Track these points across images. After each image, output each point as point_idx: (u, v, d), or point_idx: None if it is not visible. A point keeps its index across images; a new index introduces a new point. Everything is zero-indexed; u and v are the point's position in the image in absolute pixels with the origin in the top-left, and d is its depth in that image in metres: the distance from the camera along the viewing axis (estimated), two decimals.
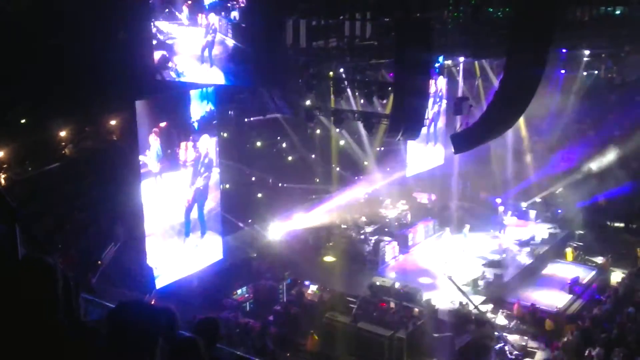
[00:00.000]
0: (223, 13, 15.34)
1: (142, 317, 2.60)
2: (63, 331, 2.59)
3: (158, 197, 15.89)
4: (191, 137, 16.63)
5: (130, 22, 15.90)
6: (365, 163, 27.87)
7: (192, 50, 16.25)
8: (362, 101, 20.64)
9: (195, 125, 16.73)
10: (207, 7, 15.58)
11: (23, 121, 15.24)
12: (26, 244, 3.52)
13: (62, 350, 2.54)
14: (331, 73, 18.38)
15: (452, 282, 20.98)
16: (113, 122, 16.59)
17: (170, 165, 16.20)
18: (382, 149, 27.74)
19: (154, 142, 15.54)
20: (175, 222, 16.67)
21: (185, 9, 16.04)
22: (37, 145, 15.53)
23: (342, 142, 27.16)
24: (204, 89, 16.83)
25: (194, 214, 17.04)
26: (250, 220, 23.88)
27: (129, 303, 2.69)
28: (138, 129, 15.21)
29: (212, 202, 17.79)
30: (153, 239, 16.01)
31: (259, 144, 25.65)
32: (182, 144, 16.37)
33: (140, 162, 15.23)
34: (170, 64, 16.36)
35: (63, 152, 16.25)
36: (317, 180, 27.41)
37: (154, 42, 16.12)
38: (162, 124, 15.74)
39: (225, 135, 21.26)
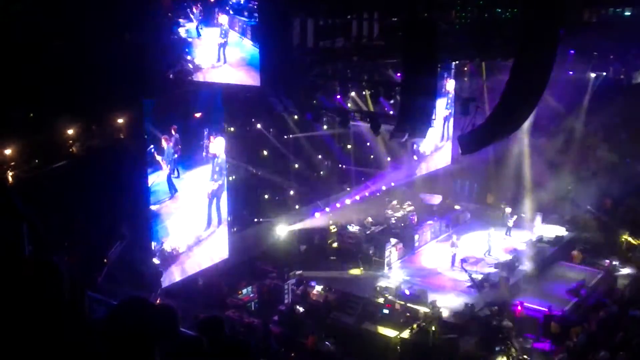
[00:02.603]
0: (246, 13, 15.52)
1: (142, 316, 2.60)
2: (68, 330, 2.59)
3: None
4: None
5: (143, 21, 15.95)
6: (372, 161, 27.82)
7: (207, 49, 16.39)
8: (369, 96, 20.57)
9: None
10: (229, 7, 15.80)
11: (30, 119, 15.30)
12: (33, 242, 3.52)
13: (66, 349, 2.54)
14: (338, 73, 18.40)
15: (472, 280, 21.03)
16: (120, 121, 16.63)
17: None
18: (388, 149, 27.65)
19: (166, 145, 16.04)
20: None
21: (195, 9, 16.15)
22: (44, 143, 15.56)
23: (349, 146, 27.12)
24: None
25: (214, 206, 17.87)
26: (256, 220, 23.89)
27: (130, 301, 2.68)
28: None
29: (223, 199, 18.14)
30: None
31: (265, 143, 25.64)
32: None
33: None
34: (188, 57, 16.65)
35: (70, 150, 16.29)
36: (322, 173, 27.36)
37: (171, 40, 16.32)
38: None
39: (231, 129, 21.46)
